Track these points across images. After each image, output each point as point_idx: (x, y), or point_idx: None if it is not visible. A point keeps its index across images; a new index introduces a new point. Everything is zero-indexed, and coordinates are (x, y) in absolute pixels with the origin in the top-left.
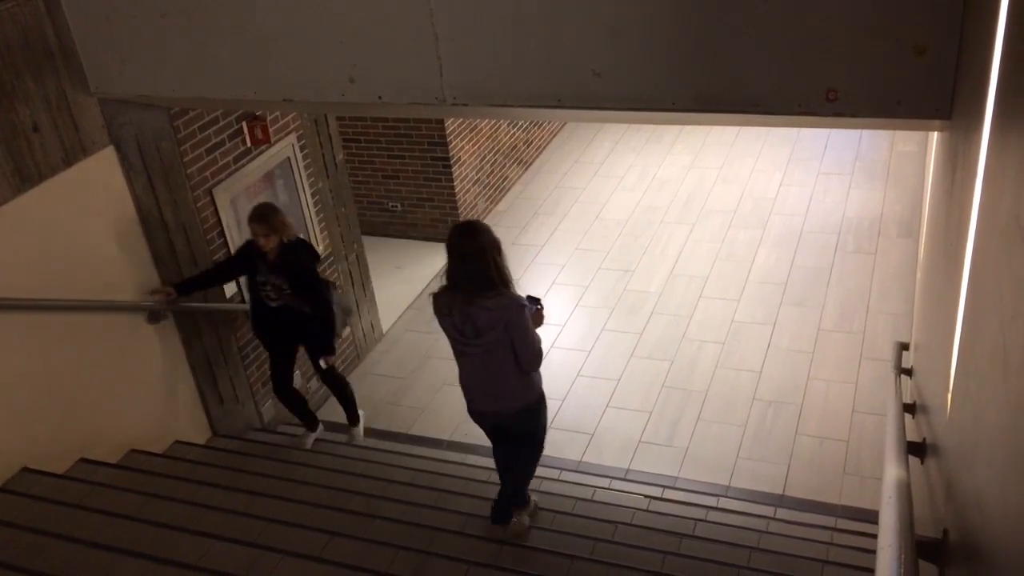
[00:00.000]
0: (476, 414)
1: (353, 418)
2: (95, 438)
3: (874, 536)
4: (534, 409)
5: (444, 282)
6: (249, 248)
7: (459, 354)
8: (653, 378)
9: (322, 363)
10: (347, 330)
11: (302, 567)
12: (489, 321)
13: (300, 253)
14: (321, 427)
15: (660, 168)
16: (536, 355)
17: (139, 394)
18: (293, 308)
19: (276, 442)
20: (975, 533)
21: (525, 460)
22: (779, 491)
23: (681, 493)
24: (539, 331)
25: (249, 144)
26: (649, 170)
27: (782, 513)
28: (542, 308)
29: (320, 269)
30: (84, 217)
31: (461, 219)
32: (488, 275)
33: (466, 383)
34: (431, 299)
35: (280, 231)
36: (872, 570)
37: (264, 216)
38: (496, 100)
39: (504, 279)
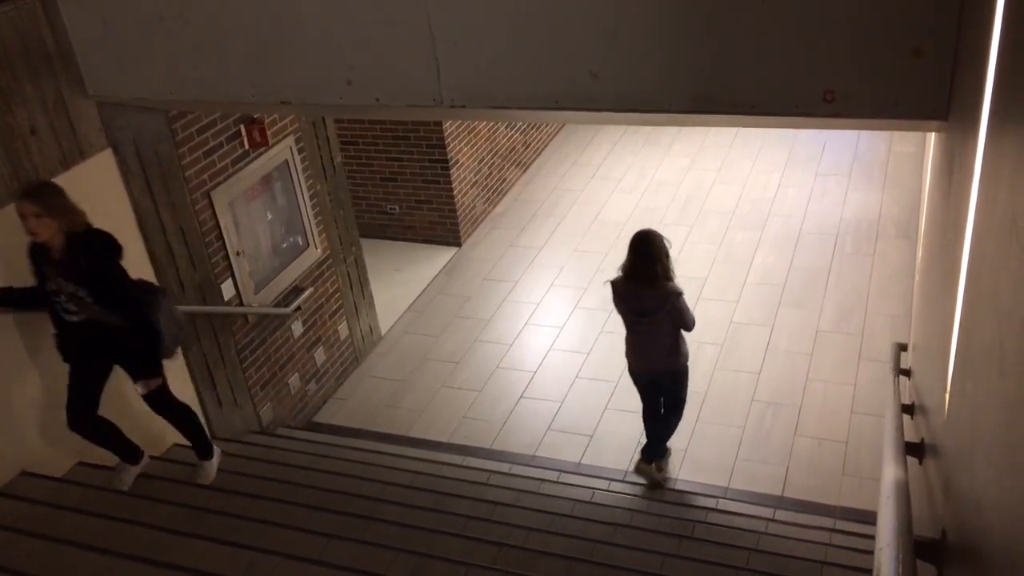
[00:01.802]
0: (636, 374)
1: (204, 451)
2: None
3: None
4: (682, 373)
5: (621, 274)
6: (34, 250)
7: (629, 329)
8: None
9: (140, 388)
10: (177, 352)
11: (301, 570)
12: (655, 305)
13: (93, 247)
14: (146, 459)
15: (658, 170)
16: (692, 324)
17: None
18: (103, 324)
19: (274, 445)
20: (973, 533)
21: (669, 414)
22: (778, 492)
23: (680, 495)
24: (537, 332)
25: (247, 147)
26: (647, 172)
27: (781, 514)
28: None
29: (317, 271)
30: None
31: (459, 221)
32: (656, 272)
33: (632, 351)
34: (610, 285)
35: (60, 216)
36: (871, 570)
37: (38, 193)
38: (494, 102)
39: (667, 276)
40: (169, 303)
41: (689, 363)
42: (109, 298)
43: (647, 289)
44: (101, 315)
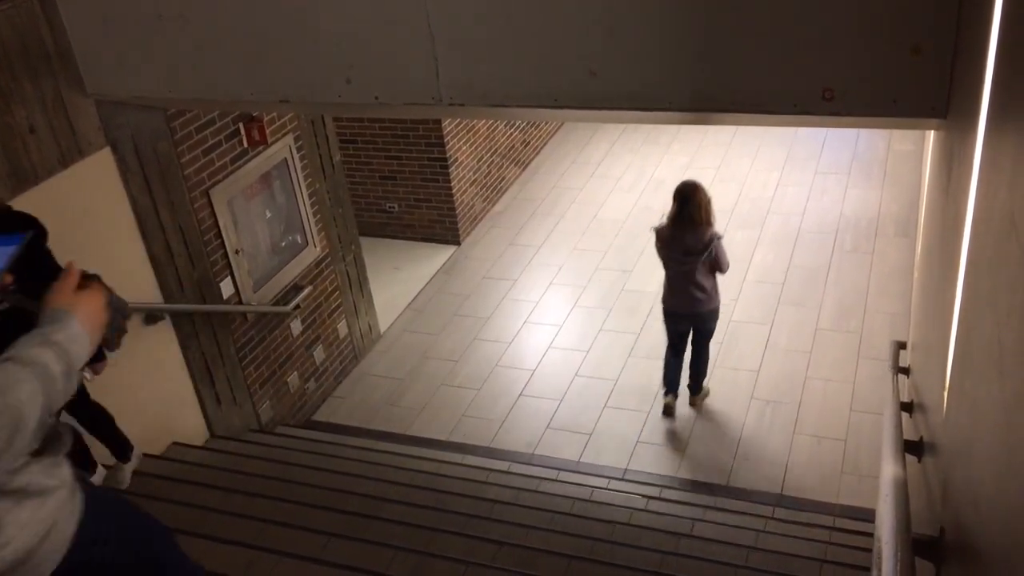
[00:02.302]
0: (673, 315)
1: (121, 451)
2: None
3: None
4: (716, 312)
5: (666, 221)
6: None
7: (671, 272)
8: (651, 378)
9: (87, 374)
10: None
11: (300, 568)
12: (698, 246)
13: (15, 228)
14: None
15: (657, 168)
16: (728, 266)
17: (136, 395)
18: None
19: (274, 443)
20: (971, 531)
21: (702, 349)
22: (777, 490)
23: (679, 493)
24: (536, 330)
25: (246, 145)
26: (646, 170)
27: (780, 512)
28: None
29: (316, 270)
30: (80, 218)
31: (459, 220)
32: (700, 216)
33: (672, 294)
34: (654, 232)
35: None
36: (870, 568)
37: None
38: (493, 100)
39: (709, 220)
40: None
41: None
42: (37, 285)
43: (691, 232)
44: (27, 303)
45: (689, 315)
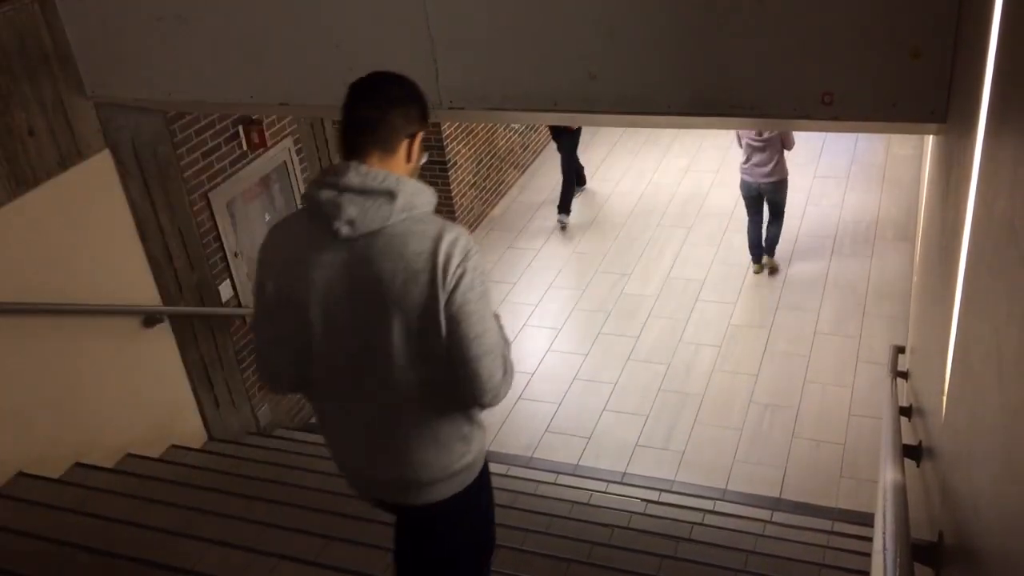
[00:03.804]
0: (750, 186)
1: None
2: (91, 442)
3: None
4: (785, 182)
5: None
6: None
7: (748, 152)
8: (650, 381)
9: None
10: None
11: (298, 571)
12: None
13: None
14: None
15: (657, 171)
16: (794, 143)
17: (135, 398)
18: None
19: (272, 446)
20: (970, 536)
21: (776, 216)
22: (776, 494)
23: (678, 496)
24: (535, 333)
25: (246, 148)
26: (646, 173)
27: (779, 516)
28: None
29: None
30: (80, 221)
31: (458, 222)
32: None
33: (748, 170)
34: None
35: None
36: (868, 573)
37: None
38: (492, 103)
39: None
40: None
41: (696, 352)
42: None
43: None
44: None
45: (759, 187)
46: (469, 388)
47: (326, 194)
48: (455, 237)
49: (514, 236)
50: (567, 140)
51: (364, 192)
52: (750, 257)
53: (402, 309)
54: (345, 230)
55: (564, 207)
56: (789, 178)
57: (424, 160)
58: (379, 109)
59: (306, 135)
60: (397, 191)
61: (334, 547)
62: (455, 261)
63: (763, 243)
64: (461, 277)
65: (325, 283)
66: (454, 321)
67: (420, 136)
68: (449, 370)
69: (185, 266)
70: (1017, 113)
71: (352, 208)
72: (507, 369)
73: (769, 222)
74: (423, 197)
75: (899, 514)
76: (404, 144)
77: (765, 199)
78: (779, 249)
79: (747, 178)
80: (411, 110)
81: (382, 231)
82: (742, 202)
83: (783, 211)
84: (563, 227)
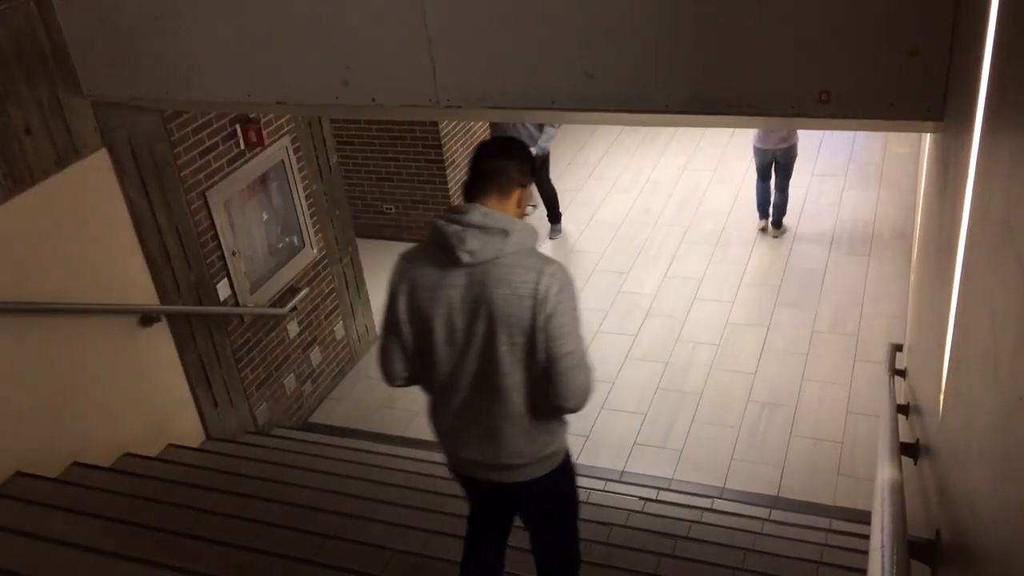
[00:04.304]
0: (763, 152)
1: None
2: (88, 442)
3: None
4: (796, 148)
5: None
6: None
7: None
8: (648, 380)
9: None
10: None
11: (296, 570)
12: None
13: None
14: None
15: (654, 170)
16: None
17: (132, 397)
18: None
19: (270, 445)
20: (967, 533)
21: (781, 184)
22: (774, 492)
23: (676, 495)
24: None
25: (243, 147)
26: (643, 172)
27: (777, 515)
28: None
29: (313, 271)
30: (77, 220)
31: None
32: None
33: (761, 137)
34: None
35: None
36: (866, 571)
37: None
38: (490, 102)
39: None
40: None
41: (694, 350)
42: None
43: None
44: None
45: (773, 151)
46: (558, 394)
47: (452, 228)
48: (554, 271)
49: None
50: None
51: (484, 229)
52: (757, 215)
53: (508, 326)
54: (466, 258)
55: (554, 217)
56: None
57: (529, 210)
58: (502, 163)
59: (304, 134)
60: (511, 230)
61: (331, 546)
62: (553, 291)
63: (771, 205)
64: (557, 305)
65: (447, 301)
66: (549, 339)
67: (528, 189)
68: (543, 378)
69: (183, 265)
70: (1013, 111)
71: (474, 241)
72: (590, 383)
73: (776, 190)
74: (530, 236)
75: (896, 512)
76: (517, 192)
77: (775, 165)
78: (779, 247)
79: (760, 145)
80: (524, 166)
81: (496, 261)
82: (739, 203)
83: (790, 176)
84: (557, 235)
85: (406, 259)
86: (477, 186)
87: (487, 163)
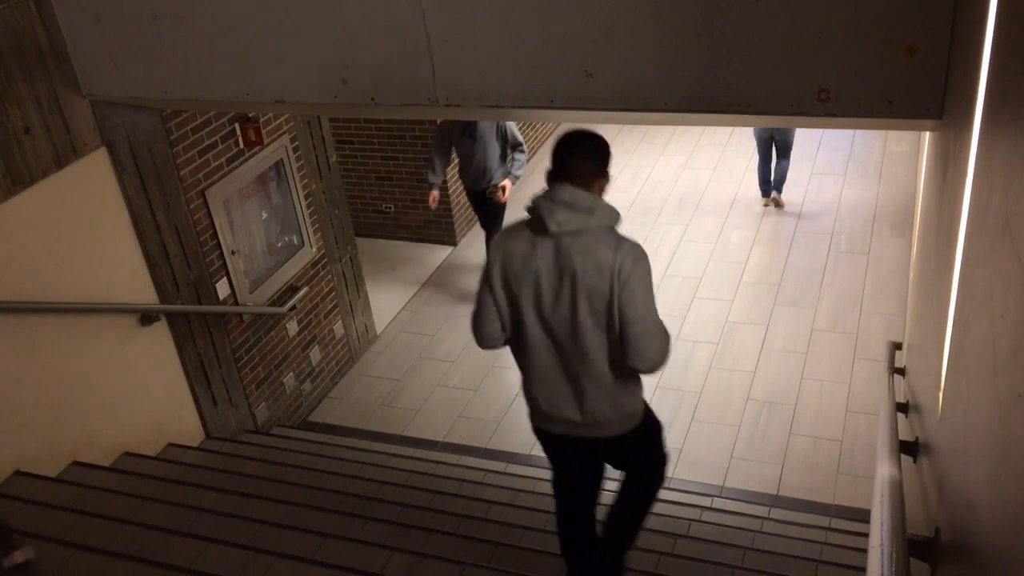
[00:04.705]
0: (760, 131)
1: None
2: (88, 441)
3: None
4: (792, 131)
5: None
6: None
7: None
8: (647, 379)
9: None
10: None
11: (295, 569)
12: None
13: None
14: None
15: (653, 169)
16: None
17: (132, 396)
18: None
19: (269, 444)
20: (966, 532)
21: (780, 157)
22: (773, 491)
23: (675, 493)
24: None
25: (242, 146)
26: (643, 171)
27: (776, 513)
28: None
29: (312, 270)
30: (76, 219)
31: (455, 220)
32: None
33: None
34: None
35: None
36: (865, 569)
37: None
38: (489, 101)
39: None
40: None
41: (694, 349)
42: None
43: None
44: None
45: (770, 129)
46: (632, 356)
47: (544, 203)
48: (630, 247)
49: None
50: (494, 212)
51: (571, 205)
52: (760, 192)
53: (589, 292)
54: (554, 227)
55: None
56: (788, 174)
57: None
58: (582, 161)
59: (303, 133)
60: (595, 208)
61: (331, 544)
62: (628, 264)
63: (772, 180)
64: (631, 276)
65: (536, 269)
66: (623, 306)
67: (608, 181)
68: (620, 342)
69: (182, 264)
70: (1012, 109)
71: (562, 214)
72: (664, 348)
73: (777, 160)
74: (612, 215)
75: (896, 510)
76: (597, 184)
77: (775, 140)
78: (778, 246)
79: (761, 132)
80: (604, 164)
81: (580, 233)
82: (738, 202)
83: (791, 148)
84: None
85: (504, 233)
86: (562, 177)
87: (571, 163)
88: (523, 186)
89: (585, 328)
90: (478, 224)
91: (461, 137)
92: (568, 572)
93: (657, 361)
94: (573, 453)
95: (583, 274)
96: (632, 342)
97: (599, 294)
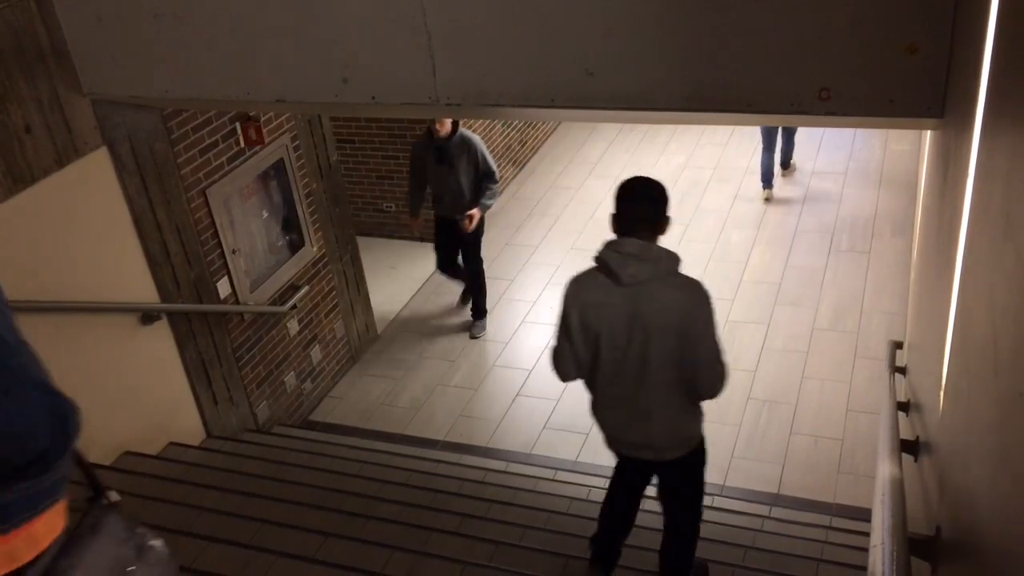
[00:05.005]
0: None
1: None
2: (88, 440)
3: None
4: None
5: None
6: None
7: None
8: None
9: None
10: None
11: (297, 568)
12: None
13: None
14: None
15: (654, 168)
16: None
17: (133, 396)
18: None
19: (270, 443)
20: (967, 530)
21: (787, 138)
22: (774, 490)
23: None
24: (533, 329)
25: (243, 145)
26: (643, 170)
27: (777, 512)
28: None
29: (313, 269)
30: (77, 218)
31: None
32: None
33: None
34: None
35: None
36: (866, 568)
37: None
38: (489, 100)
39: None
40: None
41: None
42: None
43: None
44: None
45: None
46: (699, 387)
47: (615, 257)
48: (695, 287)
49: (512, 233)
50: (471, 241)
51: (639, 257)
52: (761, 185)
53: (661, 332)
54: (628, 280)
55: (478, 311)
56: (789, 173)
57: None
58: (648, 207)
59: (304, 132)
60: (660, 258)
61: (331, 543)
62: (694, 304)
63: (773, 172)
64: (698, 315)
65: (611, 315)
66: (692, 342)
67: (668, 223)
68: (686, 374)
69: (183, 263)
70: (1014, 107)
71: (632, 267)
72: (725, 377)
73: (783, 141)
74: (676, 262)
75: (897, 509)
76: (660, 227)
77: (781, 130)
78: (779, 245)
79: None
80: (664, 205)
81: (650, 282)
82: (739, 201)
83: (795, 132)
84: (481, 333)
85: (575, 283)
86: (627, 226)
87: (635, 208)
88: (494, 217)
89: (655, 365)
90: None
91: (434, 164)
92: (595, 552)
93: (720, 389)
94: (636, 468)
95: (654, 316)
96: (700, 375)
97: (669, 333)
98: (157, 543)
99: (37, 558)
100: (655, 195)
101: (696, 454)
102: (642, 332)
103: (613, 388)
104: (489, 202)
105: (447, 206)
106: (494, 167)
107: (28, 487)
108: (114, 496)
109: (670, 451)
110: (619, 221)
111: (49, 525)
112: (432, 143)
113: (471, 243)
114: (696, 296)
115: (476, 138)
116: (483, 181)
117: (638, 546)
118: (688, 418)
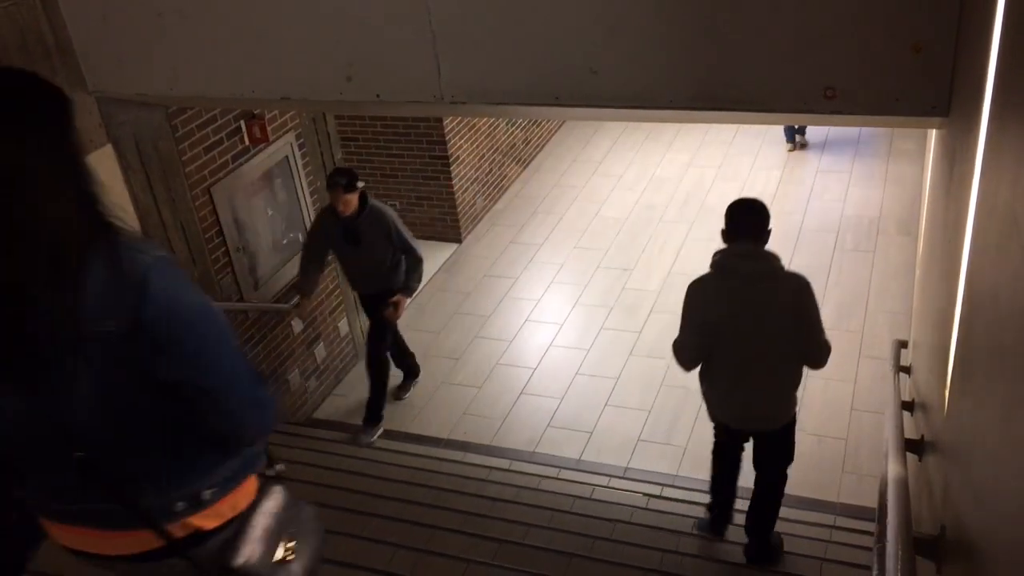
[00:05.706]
0: None
1: None
2: None
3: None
4: None
5: None
6: None
7: None
8: (652, 376)
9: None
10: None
11: None
12: None
13: None
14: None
15: (659, 167)
16: None
17: None
18: None
19: (274, 441)
20: (972, 530)
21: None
22: None
23: (680, 491)
24: (537, 328)
25: (247, 143)
26: (648, 169)
27: (781, 510)
28: None
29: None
30: None
31: (460, 218)
32: None
33: None
34: None
35: None
36: (870, 567)
37: None
38: (494, 98)
39: None
40: None
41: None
42: None
43: None
44: None
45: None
46: (810, 363)
47: (731, 258)
48: (800, 281)
49: (516, 231)
50: (383, 327)
51: (752, 257)
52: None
53: (777, 318)
54: (746, 275)
55: (372, 415)
56: (789, 176)
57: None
58: (754, 218)
59: (308, 130)
60: (768, 256)
61: (335, 541)
62: (801, 294)
63: (795, 128)
64: (805, 303)
65: (732, 308)
66: (801, 324)
67: (770, 233)
68: (800, 349)
69: (187, 261)
70: (1019, 107)
71: (746, 266)
72: (829, 350)
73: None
74: (778, 259)
75: (901, 508)
76: (766, 235)
77: None
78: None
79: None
80: (767, 221)
81: (765, 276)
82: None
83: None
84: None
85: (697, 284)
86: (742, 234)
87: (748, 221)
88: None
89: (771, 349)
90: (482, 221)
91: (341, 242)
92: (716, 515)
93: (825, 360)
94: (743, 437)
95: (773, 304)
96: (810, 353)
97: (786, 318)
98: (310, 510)
99: (231, 520)
100: (760, 209)
101: (793, 423)
102: (762, 319)
103: (738, 371)
104: (415, 285)
105: (364, 284)
106: (412, 242)
107: (236, 463)
108: (280, 467)
109: (780, 420)
110: (734, 231)
111: (247, 491)
112: (338, 221)
113: (385, 323)
114: (803, 288)
115: (388, 211)
116: (405, 257)
117: (637, 544)
118: (794, 393)
